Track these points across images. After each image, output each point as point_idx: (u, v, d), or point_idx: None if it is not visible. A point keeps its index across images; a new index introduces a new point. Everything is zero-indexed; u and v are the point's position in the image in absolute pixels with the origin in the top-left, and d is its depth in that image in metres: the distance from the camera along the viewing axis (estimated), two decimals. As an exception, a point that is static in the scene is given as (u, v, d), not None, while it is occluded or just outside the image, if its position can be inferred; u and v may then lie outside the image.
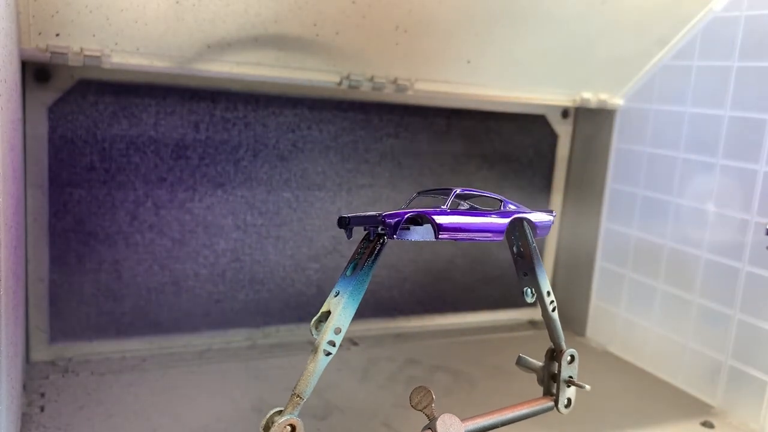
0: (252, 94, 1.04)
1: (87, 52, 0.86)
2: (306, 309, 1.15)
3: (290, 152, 1.09)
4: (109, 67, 0.88)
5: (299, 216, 1.11)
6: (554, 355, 0.77)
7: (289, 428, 0.58)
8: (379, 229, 0.64)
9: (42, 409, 0.85)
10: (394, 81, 1.05)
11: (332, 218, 1.14)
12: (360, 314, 1.22)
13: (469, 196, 0.70)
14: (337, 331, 0.61)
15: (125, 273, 1.01)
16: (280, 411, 0.59)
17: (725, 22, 1.02)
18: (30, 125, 0.92)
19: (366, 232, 0.67)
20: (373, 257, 0.65)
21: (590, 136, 1.28)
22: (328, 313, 0.63)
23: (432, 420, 0.65)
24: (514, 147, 1.27)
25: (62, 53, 0.84)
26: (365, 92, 1.09)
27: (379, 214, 0.62)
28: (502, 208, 0.70)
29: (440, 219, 0.62)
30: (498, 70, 1.10)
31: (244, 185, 1.06)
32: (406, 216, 0.61)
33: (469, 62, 1.06)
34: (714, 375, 1.02)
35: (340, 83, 1.01)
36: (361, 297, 0.63)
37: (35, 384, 0.91)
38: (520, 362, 0.79)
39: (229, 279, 1.08)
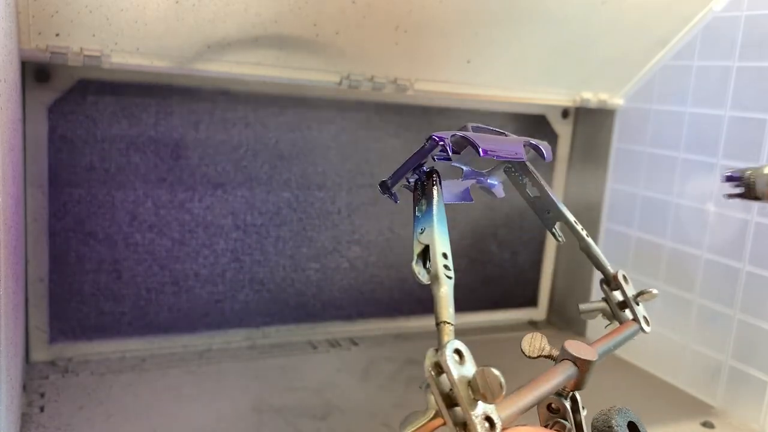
0: (252, 94, 1.04)
1: (87, 52, 0.86)
2: (306, 309, 1.15)
3: (290, 152, 1.09)
4: (108, 67, 0.88)
5: (299, 216, 1.11)
6: (609, 282, 0.72)
7: (457, 356, 0.53)
8: (425, 167, 0.62)
9: (42, 409, 0.85)
10: (394, 81, 1.05)
11: (332, 218, 1.14)
12: (360, 314, 1.23)
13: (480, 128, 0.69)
14: (445, 256, 0.57)
15: (125, 273, 1.01)
16: (436, 349, 0.52)
17: (725, 22, 1.02)
18: (30, 125, 0.92)
19: (413, 181, 0.64)
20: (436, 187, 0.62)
21: (590, 136, 1.27)
22: (425, 251, 0.59)
23: (556, 356, 0.63)
24: (514, 147, 1.27)
25: (62, 53, 0.84)
26: (365, 92, 1.09)
27: (421, 151, 0.61)
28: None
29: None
30: (498, 70, 1.10)
31: (244, 185, 1.06)
32: (451, 136, 0.60)
33: (469, 62, 1.06)
34: (714, 375, 1.02)
35: (340, 83, 1.01)
36: (446, 221, 0.59)
37: (35, 384, 0.91)
38: (583, 311, 0.75)
39: (228, 279, 1.08)
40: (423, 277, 0.56)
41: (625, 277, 0.72)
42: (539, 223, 0.73)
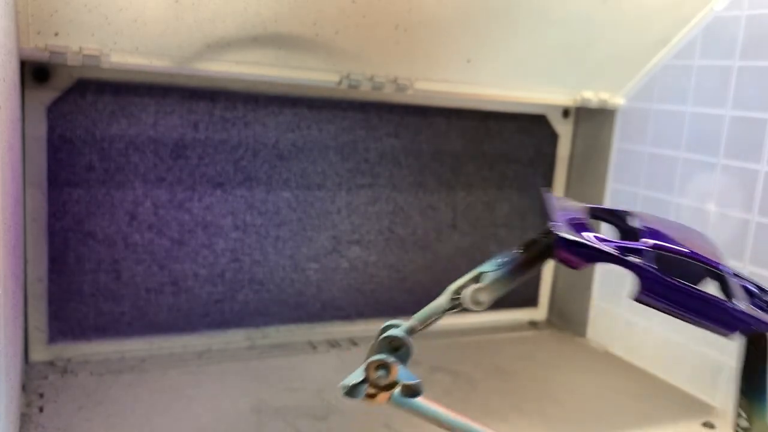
0: (251, 93, 1.04)
1: (86, 52, 0.85)
2: (305, 309, 1.15)
3: (290, 152, 1.09)
4: (108, 67, 0.88)
5: (299, 216, 1.11)
6: None
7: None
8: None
9: (41, 409, 0.84)
10: (394, 80, 1.04)
11: (332, 218, 1.14)
12: (360, 314, 1.23)
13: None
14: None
15: (124, 273, 1.01)
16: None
17: (726, 22, 1.01)
18: (29, 125, 0.92)
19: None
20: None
21: (591, 135, 1.27)
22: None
23: None
24: (515, 147, 1.27)
25: (61, 53, 0.84)
26: (365, 92, 1.09)
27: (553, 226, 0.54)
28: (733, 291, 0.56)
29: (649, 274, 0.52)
30: (498, 70, 1.09)
31: (244, 185, 1.06)
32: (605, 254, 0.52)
33: (469, 61, 1.06)
34: (715, 375, 1.02)
35: (339, 83, 1.01)
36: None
37: (34, 384, 0.90)
38: None
39: (228, 279, 1.08)
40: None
41: None
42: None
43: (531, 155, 1.29)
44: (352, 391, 0.59)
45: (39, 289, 0.96)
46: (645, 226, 0.58)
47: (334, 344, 1.14)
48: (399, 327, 0.61)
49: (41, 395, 0.88)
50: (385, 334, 0.61)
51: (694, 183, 1.06)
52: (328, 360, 1.08)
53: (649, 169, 1.14)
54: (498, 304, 1.39)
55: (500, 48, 1.05)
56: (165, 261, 1.03)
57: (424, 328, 0.62)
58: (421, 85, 1.07)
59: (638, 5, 1.03)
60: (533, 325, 1.34)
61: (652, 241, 0.55)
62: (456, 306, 0.61)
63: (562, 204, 0.62)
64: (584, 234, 0.54)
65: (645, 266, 0.53)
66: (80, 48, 0.85)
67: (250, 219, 1.08)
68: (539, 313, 1.36)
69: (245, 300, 1.10)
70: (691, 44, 1.07)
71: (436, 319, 0.62)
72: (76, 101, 0.94)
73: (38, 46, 0.84)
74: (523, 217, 1.30)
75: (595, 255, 0.53)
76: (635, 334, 1.17)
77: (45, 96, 0.92)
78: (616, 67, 1.15)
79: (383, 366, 0.59)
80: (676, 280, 0.54)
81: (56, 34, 0.83)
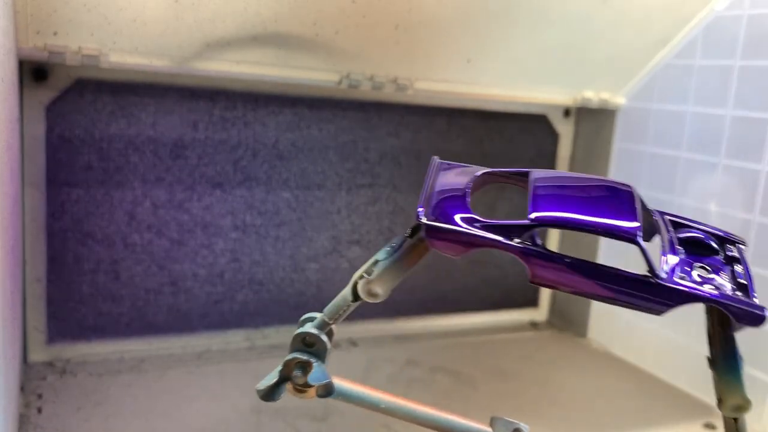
0: (251, 93, 1.04)
1: (85, 51, 0.85)
2: (305, 309, 1.14)
3: (289, 152, 1.08)
4: (107, 66, 0.87)
5: (298, 216, 1.11)
6: None
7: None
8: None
9: (39, 410, 0.84)
10: (394, 80, 1.04)
11: (332, 218, 1.14)
12: (360, 315, 1.21)
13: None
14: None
15: (123, 273, 1.01)
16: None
17: (727, 21, 1.01)
18: (27, 125, 0.92)
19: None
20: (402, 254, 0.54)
21: (592, 135, 1.27)
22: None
23: None
24: (515, 147, 1.27)
25: (60, 52, 0.84)
26: (365, 91, 1.09)
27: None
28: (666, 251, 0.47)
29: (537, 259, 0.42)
30: (498, 70, 1.09)
31: (243, 185, 1.06)
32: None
33: (469, 61, 1.05)
34: (716, 376, 1.01)
35: (339, 82, 1.01)
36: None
37: (33, 385, 0.90)
38: None
39: (227, 279, 1.08)
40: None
41: None
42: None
43: (532, 155, 1.28)
44: (269, 394, 0.56)
45: (38, 290, 0.96)
46: (536, 192, 0.51)
47: (333, 345, 1.13)
48: (313, 321, 0.59)
49: (40, 396, 0.88)
50: (298, 330, 0.58)
51: (695, 183, 1.06)
52: (328, 361, 1.07)
53: (650, 168, 1.14)
54: (498, 305, 1.39)
55: (500, 48, 1.05)
56: (164, 261, 1.03)
57: (335, 321, 0.59)
58: (421, 85, 1.06)
59: (638, 5, 1.03)
60: (534, 325, 1.33)
61: (535, 214, 0.49)
62: (359, 298, 0.58)
63: (453, 173, 0.55)
64: (458, 216, 0.48)
65: (527, 248, 0.47)
66: (79, 48, 0.85)
67: (250, 219, 1.07)
68: (540, 313, 1.36)
69: (245, 300, 1.10)
70: (691, 44, 1.07)
71: (346, 311, 0.59)
72: (75, 101, 0.94)
73: (37, 46, 0.83)
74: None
75: (470, 241, 0.47)
76: (636, 334, 1.16)
77: (44, 95, 0.92)
78: (617, 67, 1.15)
79: (301, 364, 0.57)
80: (568, 257, 0.47)
81: (55, 34, 0.83)
